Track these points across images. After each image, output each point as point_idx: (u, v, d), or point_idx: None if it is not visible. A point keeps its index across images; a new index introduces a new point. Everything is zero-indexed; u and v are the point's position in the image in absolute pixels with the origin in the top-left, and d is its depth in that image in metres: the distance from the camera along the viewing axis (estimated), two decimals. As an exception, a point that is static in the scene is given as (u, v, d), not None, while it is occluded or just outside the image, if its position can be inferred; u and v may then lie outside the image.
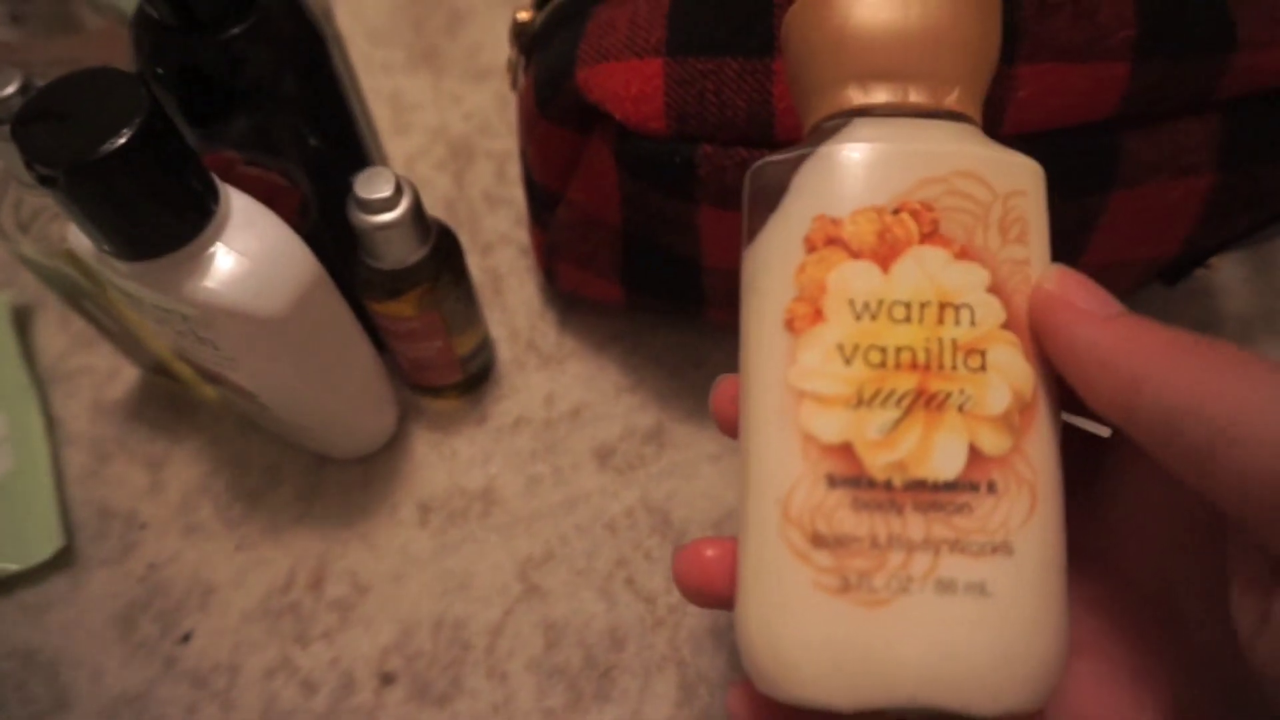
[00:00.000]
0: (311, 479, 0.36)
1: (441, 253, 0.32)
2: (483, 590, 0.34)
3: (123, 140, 0.21)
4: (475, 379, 0.38)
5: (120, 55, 0.28)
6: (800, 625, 0.17)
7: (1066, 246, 0.30)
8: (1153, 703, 0.18)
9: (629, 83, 0.27)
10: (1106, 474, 0.21)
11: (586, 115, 0.30)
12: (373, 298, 0.32)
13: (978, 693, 0.17)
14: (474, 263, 0.41)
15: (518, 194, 0.43)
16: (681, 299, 0.35)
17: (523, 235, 0.42)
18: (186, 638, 0.33)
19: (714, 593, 0.20)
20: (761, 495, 0.18)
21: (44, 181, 0.22)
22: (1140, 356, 0.16)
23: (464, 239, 0.34)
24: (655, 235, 0.32)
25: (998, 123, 0.27)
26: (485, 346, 0.37)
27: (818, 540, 0.17)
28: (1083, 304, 0.17)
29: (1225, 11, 0.26)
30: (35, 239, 0.30)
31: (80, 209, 0.23)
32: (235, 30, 0.26)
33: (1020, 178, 0.18)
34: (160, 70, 0.27)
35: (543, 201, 0.35)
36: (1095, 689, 0.19)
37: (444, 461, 0.37)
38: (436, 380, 0.36)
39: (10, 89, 0.26)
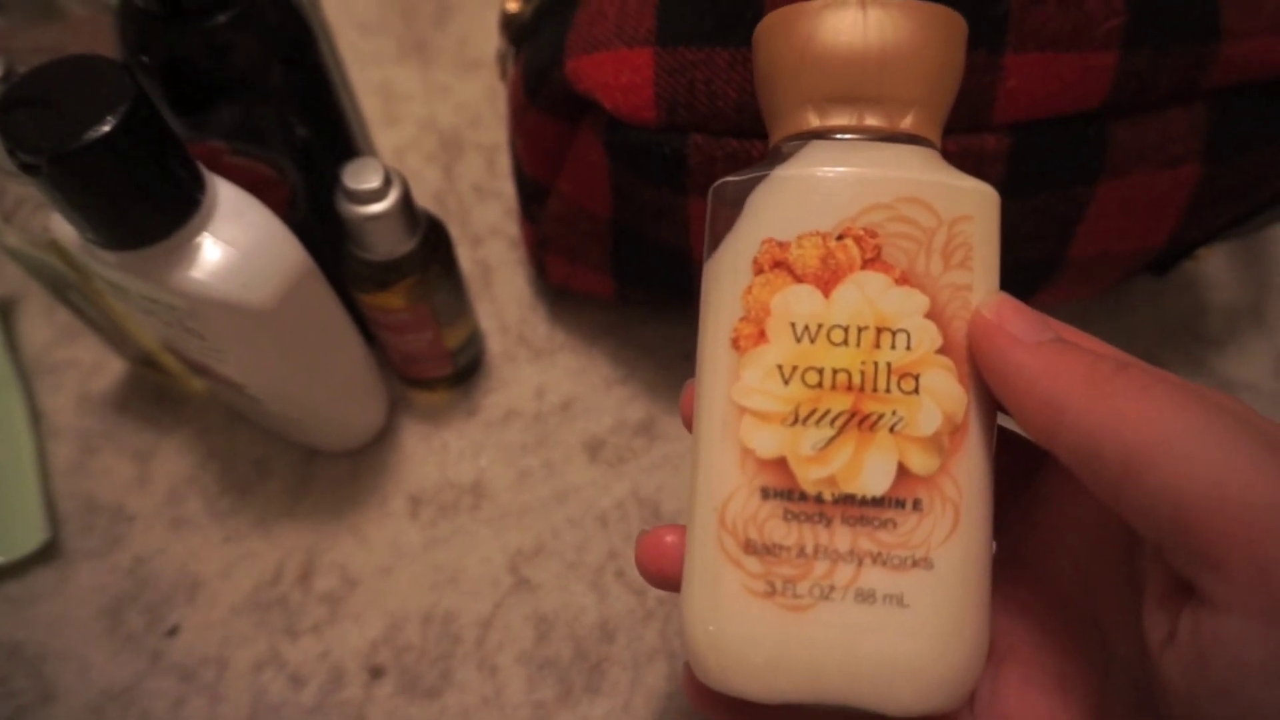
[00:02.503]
0: (300, 472, 0.36)
1: (431, 244, 0.32)
2: (473, 583, 0.34)
3: (107, 128, 0.21)
4: (465, 372, 0.38)
5: (103, 43, 0.27)
6: (729, 624, 0.19)
7: (1056, 238, 0.30)
8: (1074, 707, 0.19)
9: (618, 72, 0.27)
10: (1041, 483, 0.22)
11: (576, 106, 0.30)
12: (362, 289, 0.32)
13: (890, 695, 0.18)
14: (464, 255, 0.41)
15: (508, 186, 0.43)
16: (672, 291, 0.35)
17: (513, 228, 0.42)
18: (174, 631, 0.33)
19: (671, 577, 0.21)
20: (704, 501, 0.19)
21: (27, 169, 0.21)
22: (1063, 383, 0.17)
23: (454, 231, 0.34)
24: (645, 227, 0.32)
25: (986, 113, 0.27)
26: (475, 339, 0.37)
27: (749, 547, 0.19)
28: (1016, 330, 0.18)
29: (1212, 1, 0.26)
30: (19, 229, 0.30)
31: (64, 198, 0.22)
32: (221, 19, 0.26)
33: (968, 203, 0.19)
34: (145, 59, 0.26)
35: (532, 193, 0.35)
36: (1020, 692, 0.20)
37: (434, 454, 0.37)
38: (426, 373, 0.36)
39: (-7, 76, 0.26)
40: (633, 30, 0.27)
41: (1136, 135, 0.28)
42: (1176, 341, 0.38)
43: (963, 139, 0.27)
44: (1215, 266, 0.40)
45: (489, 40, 0.47)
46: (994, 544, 0.19)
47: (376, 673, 0.32)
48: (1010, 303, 0.18)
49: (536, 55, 0.31)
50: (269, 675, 0.32)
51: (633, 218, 0.32)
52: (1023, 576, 0.21)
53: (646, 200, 0.30)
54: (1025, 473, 0.22)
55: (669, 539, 0.21)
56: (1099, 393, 0.16)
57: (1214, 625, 0.15)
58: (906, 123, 0.19)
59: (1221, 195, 0.30)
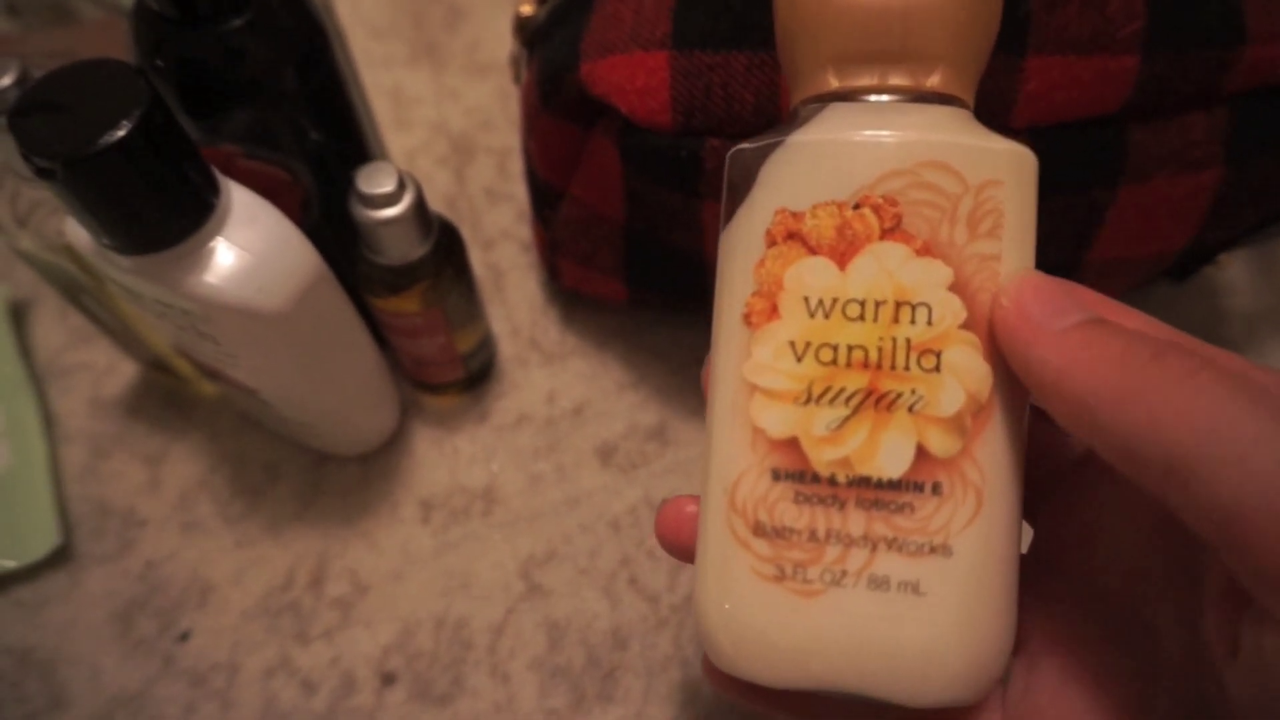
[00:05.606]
0: (311, 476, 0.36)
1: (444, 248, 0.31)
2: (484, 589, 0.34)
3: (122, 133, 0.21)
4: (477, 376, 0.37)
5: (117, 47, 0.27)
6: (738, 608, 0.18)
7: (1074, 242, 0.30)
8: (1113, 708, 0.18)
9: (634, 76, 0.27)
10: (1086, 465, 0.20)
11: (590, 109, 0.29)
12: (375, 293, 0.32)
13: (903, 686, 0.17)
14: (475, 259, 0.41)
15: (519, 190, 0.43)
16: (685, 295, 0.34)
17: (525, 231, 0.42)
18: (185, 636, 0.33)
19: (689, 547, 0.20)
20: (715, 482, 0.19)
21: (42, 174, 0.21)
22: (1094, 378, 0.15)
23: (465, 235, 0.33)
24: (659, 231, 0.31)
25: (1006, 116, 0.26)
26: (487, 343, 0.37)
27: (759, 530, 0.18)
28: (1037, 315, 0.16)
29: (1234, 4, 0.26)
30: (33, 233, 0.30)
31: (78, 202, 0.22)
32: (235, 23, 0.26)
33: (998, 167, 0.17)
34: (159, 63, 0.26)
35: (545, 197, 0.35)
36: (1055, 688, 0.19)
37: (445, 459, 0.37)
38: (438, 377, 0.36)
39: (7, 80, 0.26)
40: (648, 33, 0.27)
41: (1157, 139, 0.27)
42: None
43: (981, 143, 0.27)
44: (1235, 273, 0.39)
45: (500, 44, 0.47)
46: (1023, 531, 0.18)
47: (388, 679, 0.32)
48: (1030, 283, 0.17)
49: (551, 59, 0.30)
50: (280, 681, 0.32)
51: (646, 222, 0.31)
52: (1064, 566, 0.20)
53: (661, 205, 0.30)
54: (1068, 454, 0.20)
55: (690, 509, 0.21)
56: (1134, 386, 0.15)
57: (1278, 644, 0.14)
58: (934, 81, 0.18)
59: (1243, 200, 0.29)
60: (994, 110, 0.26)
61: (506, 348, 0.39)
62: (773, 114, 0.26)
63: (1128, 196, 0.28)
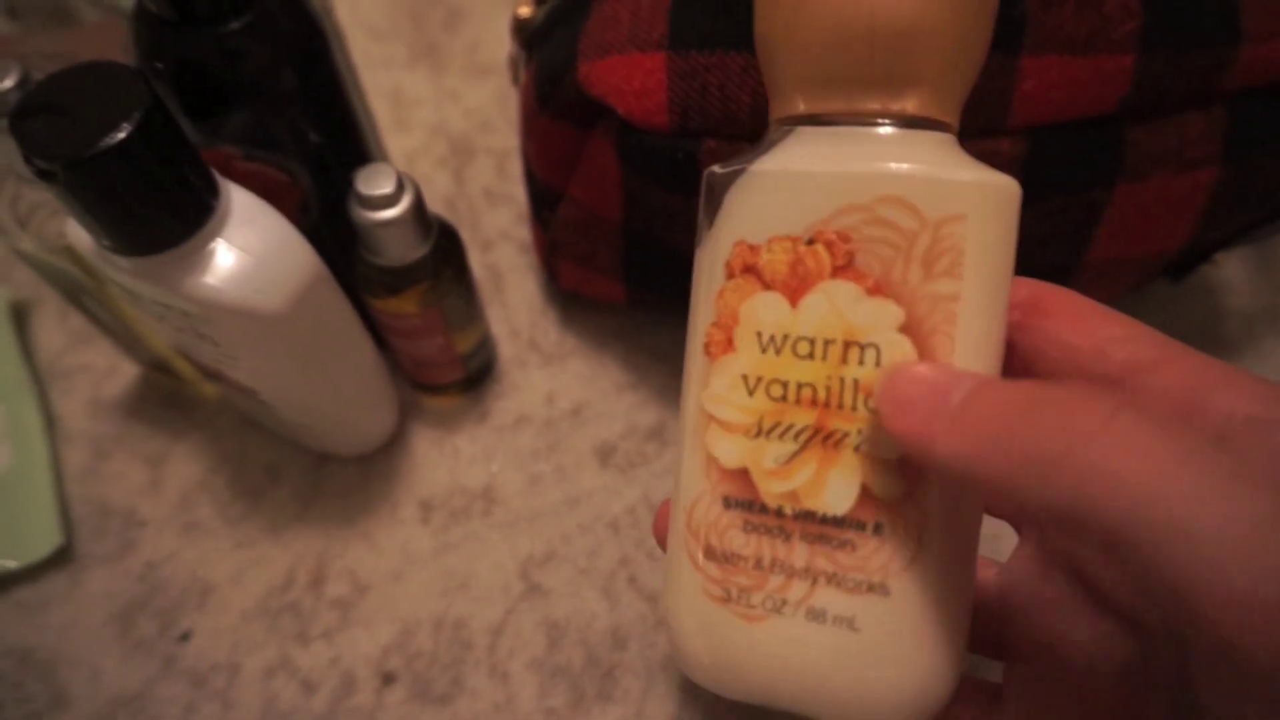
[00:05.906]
0: (311, 477, 0.36)
1: (443, 249, 0.32)
2: (484, 589, 0.34)
3: (122, 135, 0.21)
4: (476, 377, 0.37)
5: (116, 49, 0.28)
6: (692, 622, 0.19)
7: (1072, 242, 0.30)
8: None
9: (631, 77, 0.27)
10: None
11: (588, 110, 0.29)
12: (374, 295, 0.32)
13: (838, 714, 0.18)
14: (474, 260, 0.41)
15: (518, 191, 0.43)
16: (684, 296, 0.34)
17: (523, 233, 0.42)
18: (185, 636, 0.33)
19: None
20: (678, 501, 0.19)
21: (42, 176, 0.21)
22: (1006, 455, 0.14)
23: (464, 236, 0.34)
24: (657, 232, 0.31)
25: (1001, 116, 0.26)
26: (486, 344, 0.37)
27: (709, 553, 0.19)
28: (925, 405, 0.15)
29: (1232, 3, 0.26)
30: (34, 234, 0.30)
31: (79, 204, 0.22)
32: (234, 25, 0.26)
33: (961, 201, 0.16)
34: (159, 64, 0.27)
35: (544, 198, 0.35)
36: None
37: (445, 460, 0.37)
38: (437, 378, 0.36)
39: (8, 82, 0.26)
40: (645, 35, 0.27)
41: (1154, 138, 0.27)
42: (1193, 347, 0.38)
43: (977, 143, 0.27)
44: (1232, 271, 0.40)
45: (499, 45, 0.47)
46: (976, 573, 0.18)
47: (388, 679, 0.32)
48: (901, 376, 0.16)
49: (549, 60, 0.30)
50: (280, 681, 0.32)
51: (645, 223, 0.31)
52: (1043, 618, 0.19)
53: (659, 205, 0.30)
54: None
55: None
56: (1050, 452, 0.13)
57: (1238, 713, 0.13)
58: (907, 105, 0.17)
59: (1240, 198, 0.29)
60: (990, 111, 0.26)
61: (506, 349, 0.39)
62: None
63: (1125, 196, 0.28)
